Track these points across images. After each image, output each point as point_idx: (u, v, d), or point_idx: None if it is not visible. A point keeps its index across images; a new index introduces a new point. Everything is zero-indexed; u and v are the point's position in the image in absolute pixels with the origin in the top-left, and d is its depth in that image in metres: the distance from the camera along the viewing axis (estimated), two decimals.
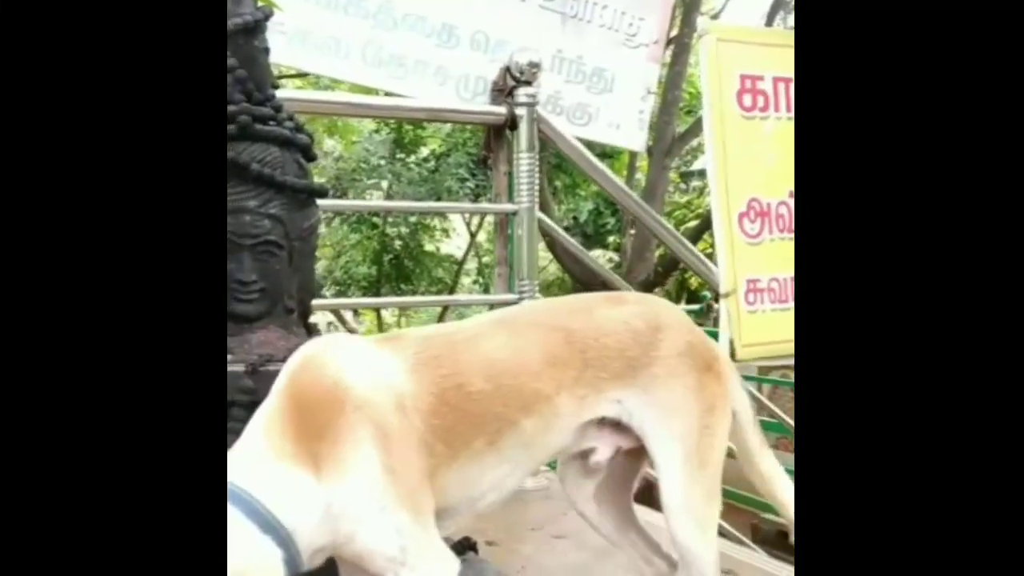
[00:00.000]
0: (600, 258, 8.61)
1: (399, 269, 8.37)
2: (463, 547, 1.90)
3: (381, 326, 9.11)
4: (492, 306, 3.42)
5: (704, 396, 1.45)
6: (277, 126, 1.78)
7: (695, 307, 8.13)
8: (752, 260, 3.10)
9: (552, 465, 5.04)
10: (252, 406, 1.47)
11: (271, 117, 1.78)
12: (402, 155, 8.26)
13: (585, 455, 1.50)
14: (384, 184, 8.12)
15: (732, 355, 2.94)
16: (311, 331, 1.93)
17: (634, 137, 3.54)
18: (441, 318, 9.53)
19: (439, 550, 1.25)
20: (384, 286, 8.16)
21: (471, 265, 10.39)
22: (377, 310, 8.75)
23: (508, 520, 2.59)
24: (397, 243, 8.40)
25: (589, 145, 3.35)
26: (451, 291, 8.90)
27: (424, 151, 8.52)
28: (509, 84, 2.99)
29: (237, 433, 1.46)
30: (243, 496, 1.14)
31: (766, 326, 3.12)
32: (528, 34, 3.21)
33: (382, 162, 8.05)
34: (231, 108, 1.72)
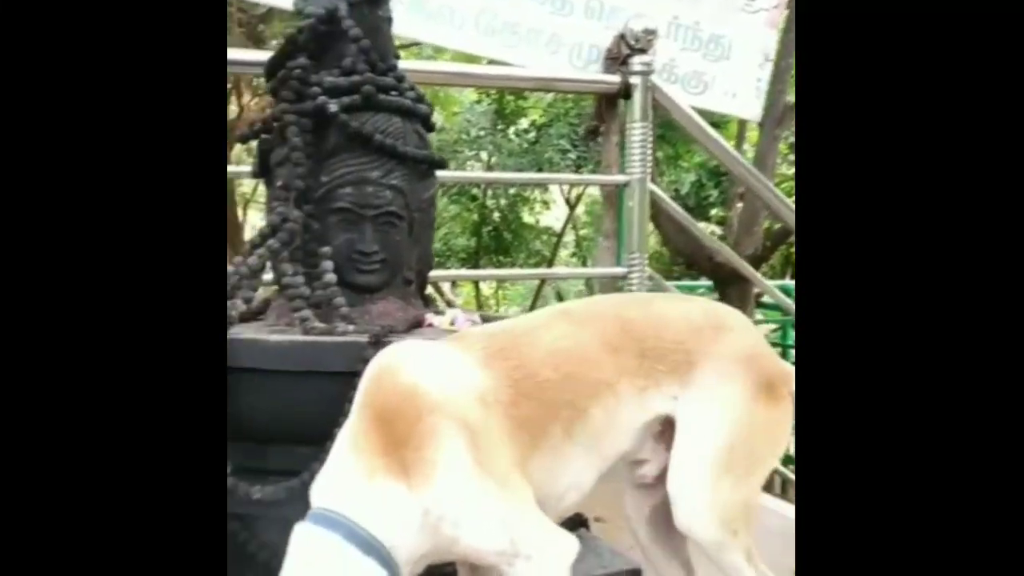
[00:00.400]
0: (704, 229, 8.46)
1: (498, 241, 8.39)
2: (575, 524, 1.88)
3: (479, 298, 9.19)
4: (594, 281, 3.38)
5: (757, 414, 1.36)
6: (399, 96, 1.78)
7: None
8: None
9: None
10: None
11: (394, 87, 1.78)
12: (503, 126, 8.25)
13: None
14: (484, 155, 8.13)
15: None
16: (427, 303, 1.94)
17: (750, 106, 3.43)
18: (539, 291, 9.55)
19: (552, 532, 1.22)
20: (483, 258, 8.21)
21: (569, 238, 10.37)
22: (476, 282, 8.81)
23: (615, 498, 2.57)
24: (496, 215, 8.43)
25: (700, 115, 3.26)
26: (549, 264, 8.89)
27: (524, 122, 8.50)
28: (623, 52, 2.94)
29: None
30: (340, 520, 1.13)
31: None
32: (643, 1, 3.13)
33: (483, 133, 8.06)
34: (355, 79, 1.73)
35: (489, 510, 1.17)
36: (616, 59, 2.96)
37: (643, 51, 2.92)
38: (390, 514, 1.15)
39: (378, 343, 1.51)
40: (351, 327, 1.61)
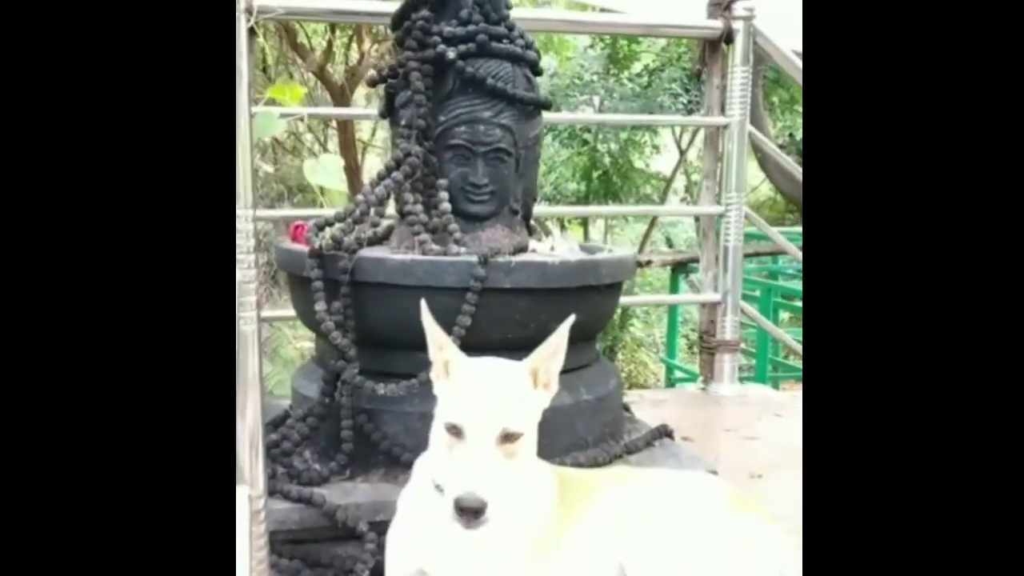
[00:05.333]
0: None
1: (607, 185, 8.45)
2: (660, 433, 2.07)
3: (588, 240, 9.31)
4: (698, 218, 3.50)
5: None
6: (510, 44, 1.97)
7: None
8: None
9: (746, 380, 5.07)
10: (483, 292, 1.72)
11: (505, 36, 1.97)
12: (615, 71, 8.27)
13: None
14: (596, 100, 8.19)
15: None
16: (531, 232, 2.14)
17: None
18: (647, 235, 9.59)
19: None
20: (592, 202, 8.30)
21: (679, 183, 10.32)
22: (584, 223, 8.93)
23: (704, 420, 2.74)
24: (607, 159, 8.48)
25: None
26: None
27: (637, 66, 8.48)
28: None
29: (469, 314, 1.71)
30: None
31: None
32: None
33: (595, 78, 8.10)
34: (471, 28, 1.92)
35: None
36: (719, 4, 3.04)
37: None
38: None
39: (486, 262, 1.73)
40: (463, 249, 1.83)
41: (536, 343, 1.86)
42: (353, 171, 7.72)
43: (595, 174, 8.48)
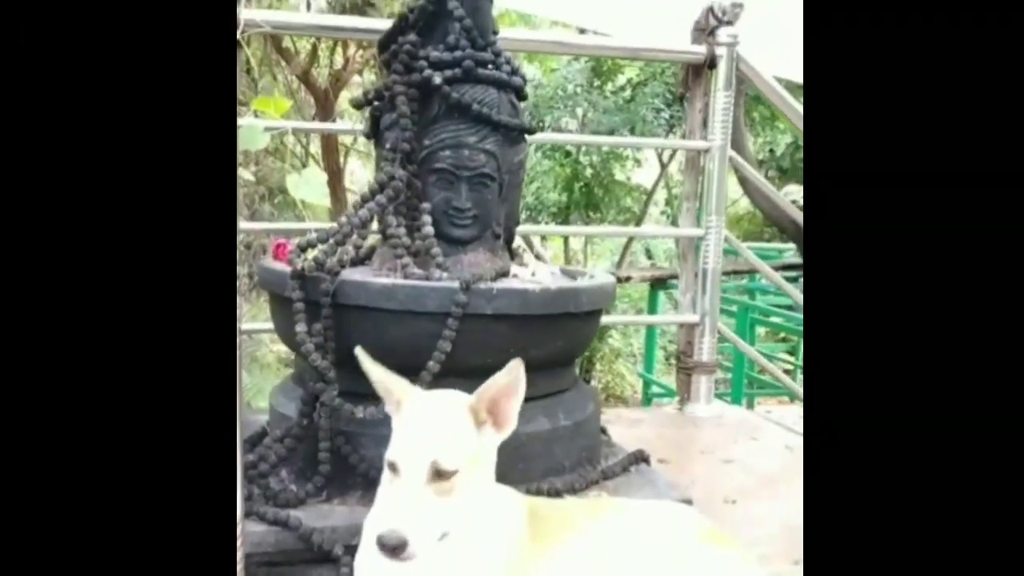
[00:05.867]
0: (795, 193, 8.40)
1: (589, 197, 8.48)
2: (636, 459, 2.09)
3: (568, 252, 9.34)
4: (677, 239, 3.53)
5: None
6: (495, 70, 1.99)
7: None
8: None
9: (722, 396, 5.09)
10: (464, 318, 1.73)
11: (491, 61, 1.98)
12: (599, 83, 8.31)
13: None
14: (579, 112, 8.23)
15: None
16: (513, 256, 2.16)
17: None
18: (627, 248, 9.63)
19: None
20: (573, 213, 8.33)
21: (660, 196, 10.37)
22: (565, 237, 8.97)
23: (681, 441, 2.77)
24: (588, 171, 8.51)
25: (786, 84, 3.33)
26: (639, 221, 8.96)
27: (621, 79, 8.53)
28: (711, 24, 3.05)
29: (450, 340, 1.72)
30: None
31: None
32: None
33: (578, 90, 8.14)
34: (457, 54, 1.94)
35: None
36: (703, 30, 3.07)
37: (730, 23, 3.03)
38: None
39: (467, 288, 1.74)
40: (445, 273, 1.84)
41: None
42: (335, 175, 7.71)
43: (577, 185, 8.50)
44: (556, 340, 1.89)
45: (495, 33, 2.06)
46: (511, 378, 1.29)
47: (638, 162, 8.76)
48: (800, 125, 3.18)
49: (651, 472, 2.06)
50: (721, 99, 3.05)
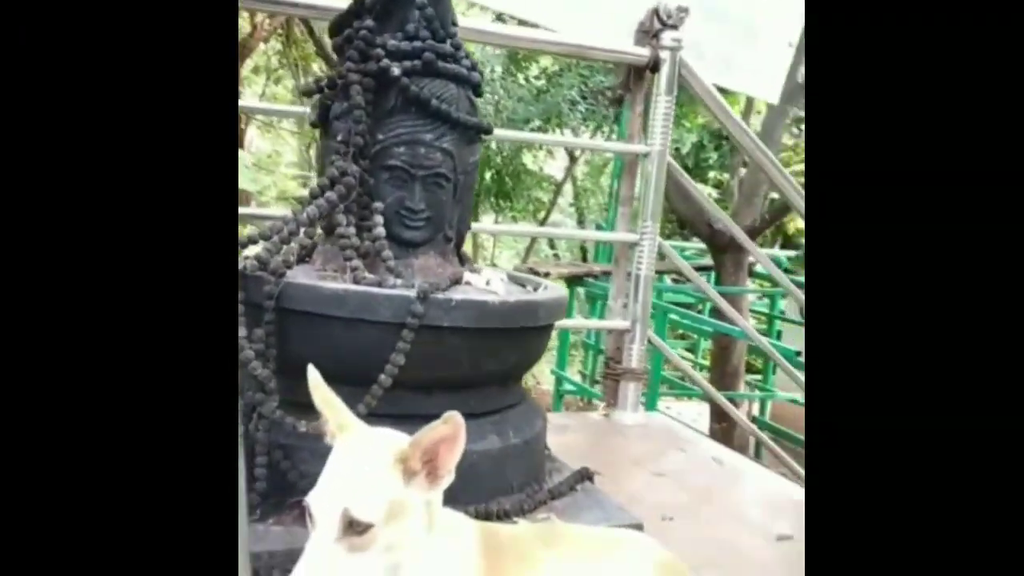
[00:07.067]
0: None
1: (499, 185, 8.44)
2: (581, 477, 2.03)
3: (475, 243, 9.28)
4: (612, 244, 3.48)
5: None
6: (455, 64, 1.87)
7: (791, 253, 8.08)
8: None
9: (649, 404, 5.12)
10: (420, 329, 1.62)
11: (451, 55, 1.87)
12: (514, 71, 8.24)
13: None
14: (495, 99, 8.13)
15: None
16: (463, 260, 2.05)
17: (772, 88, 3.51)
18: (533, 241, 9.63)
19: None
20: (484, 201, 8.27)
21: (567, 189, 10.41)
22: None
23: (611, 452, 2.73)
24: (499, 159, 8.45)
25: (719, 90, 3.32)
26: (547, 212, 8.98)
27: (535, 69, 8.49)
28: (655, 27, 3.00)
29: (403, 352, 1.61)
30: None
31: None
32: None
33: (494, 77, 8.05)
34: (417, 44, 1.82)
35: None
36: (648, 32, 3.02)
37: (675, 27, 2.99)
38: None
39: (425, 299, 1.64)
40: (399, 280, 1.72)
41: (470, 382, 1.79)
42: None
43: (488, 173, 8.43)
44: (511, 354, 1.81)
45: (455, 24, 1.94)
46: (451, 429, 1.11)
47: (551, 153, 8.76)
48: (735, 132, 3.18)
49: (596, 492, 2.00)
50: (663, 104, 3.01)
